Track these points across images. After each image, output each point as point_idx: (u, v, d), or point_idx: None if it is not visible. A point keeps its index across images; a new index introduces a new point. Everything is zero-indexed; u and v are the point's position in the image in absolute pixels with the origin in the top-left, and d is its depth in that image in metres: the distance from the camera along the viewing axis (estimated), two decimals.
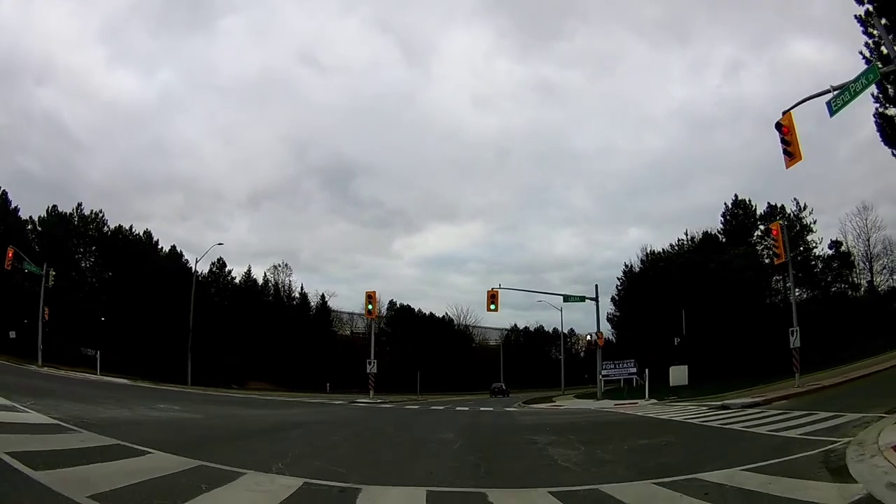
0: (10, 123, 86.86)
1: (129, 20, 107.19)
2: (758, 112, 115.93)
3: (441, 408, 28.98)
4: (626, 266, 67.28)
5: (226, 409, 21.09)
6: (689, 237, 58.81)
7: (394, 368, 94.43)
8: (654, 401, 30.53)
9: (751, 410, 19.27)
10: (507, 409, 29.37)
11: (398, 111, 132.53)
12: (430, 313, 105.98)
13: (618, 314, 63.74)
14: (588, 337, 36.07)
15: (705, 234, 57.04)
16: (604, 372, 40.42)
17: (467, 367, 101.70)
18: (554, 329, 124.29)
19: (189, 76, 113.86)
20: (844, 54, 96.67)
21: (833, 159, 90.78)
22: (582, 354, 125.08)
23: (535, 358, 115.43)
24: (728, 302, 45.34)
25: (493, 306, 34.67)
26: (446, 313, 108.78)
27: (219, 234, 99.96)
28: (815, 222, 54.40)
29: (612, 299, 65.24)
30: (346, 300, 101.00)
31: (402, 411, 25.94)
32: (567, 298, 35.65)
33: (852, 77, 14.69)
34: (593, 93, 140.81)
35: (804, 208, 54.02)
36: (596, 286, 41.92)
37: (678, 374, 34.94)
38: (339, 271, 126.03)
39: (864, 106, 27.18)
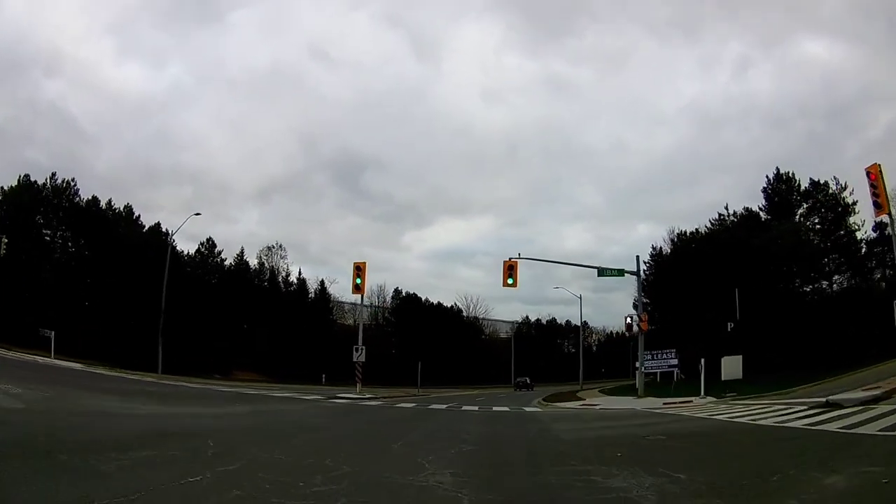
0: (17, 115, 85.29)
1: (139, 13, 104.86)
2: (766, 111, 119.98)
3: (443, 407, 23.21)
4: (654, 249, 60.45)
5: (102, 402, 14.71)
6: (728, 212, 51.72)
7: (399, 360, 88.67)
8: (712, 398, 24.29)
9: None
10: (527, 408, 23.59)
11: (408, 106, 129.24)
12: (438, 303, 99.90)
13: (646, 300, 56.48)
14: (627, 320, 28.66)
15: (746, 210, 50.30)
16: (642, 364, 34.33)
17: (476, 360, 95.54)
18: (567, 321, 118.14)
19: (198, 69, 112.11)
20: (853, 53, 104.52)
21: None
22: (594, 349, 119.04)
23: (547, 351, 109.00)
24: (777, 284, 38.83)
25: (510, 280, 28.20)
26: (455, 304, 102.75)
27: (228, 227, 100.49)
28: (856, 203, 47.54)
29: (642, 284, 57.57)
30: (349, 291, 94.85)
31: (387, 413, 19.58)
32: (602, 272, 28.80)
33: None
34: (603, 89, 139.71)
35: (845, 188, 47.42)
36: (637, 257, 35.44)
37: (731, 366, 28.09)
38: (348, 264, 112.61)
39: None
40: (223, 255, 74.37)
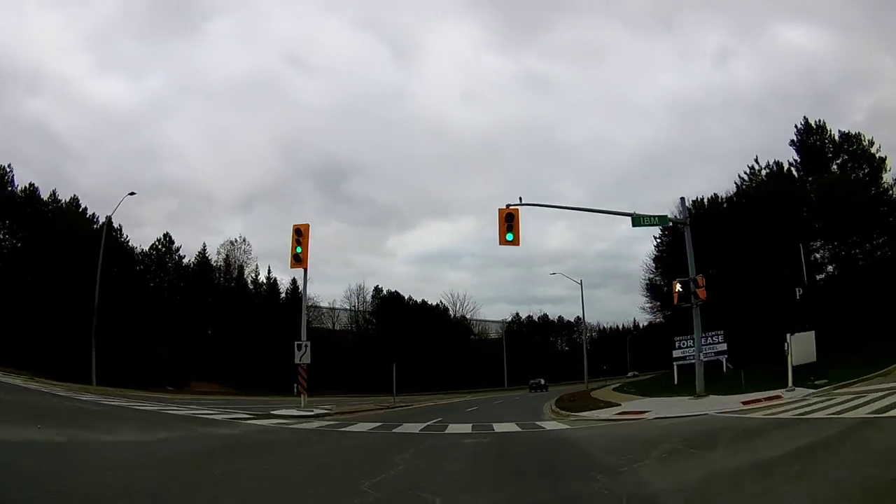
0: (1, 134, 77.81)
1: (117, 26, 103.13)
2: (748, 100, 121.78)
3: (417, 429, 15.44)
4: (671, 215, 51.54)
5: None
6: (760, 165, 44.76)
7: (381, 365, 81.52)
8: (804, 390, 17.87)
9: None
10: (544, 423, 16.26)
11: (387, 109, 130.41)
12: (423, 301, 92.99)
13: (659, 280, 49.82)
14: (677, 287, 20.72)
15: (777, 164, 43.54)
16: (679, 352, 27.75)
17: (465, 362, 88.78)
18: (560, 318, 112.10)
19: (177, 80, 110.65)
20: (833, 39, 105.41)
21: None
22: (589, 346, 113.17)
23: (540, 350, 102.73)
24: (832, 243, 32.58)
25: (509, 235, 21.38)
26: (440, 302, 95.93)
27: (213, 238, 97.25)
28: (885, 159, 41.67)
29: (655, 260, 51.52)
30: (335, 296, 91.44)
31: (302, 453, 11.16)
32: (638, 221, 21.43)
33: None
34: (582, 85, 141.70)
35: (871, 144, 41.63)
36: (682, 199, 27.28)
37: (803, 346, 21.07)
38: (333, 270, 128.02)
39: None
40: (182, 252, 66.72)
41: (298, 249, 22.82)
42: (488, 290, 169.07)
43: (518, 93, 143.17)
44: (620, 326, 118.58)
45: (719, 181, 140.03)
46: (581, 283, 47.98)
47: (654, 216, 21.78)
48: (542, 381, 69.30)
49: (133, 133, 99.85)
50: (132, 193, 38.06)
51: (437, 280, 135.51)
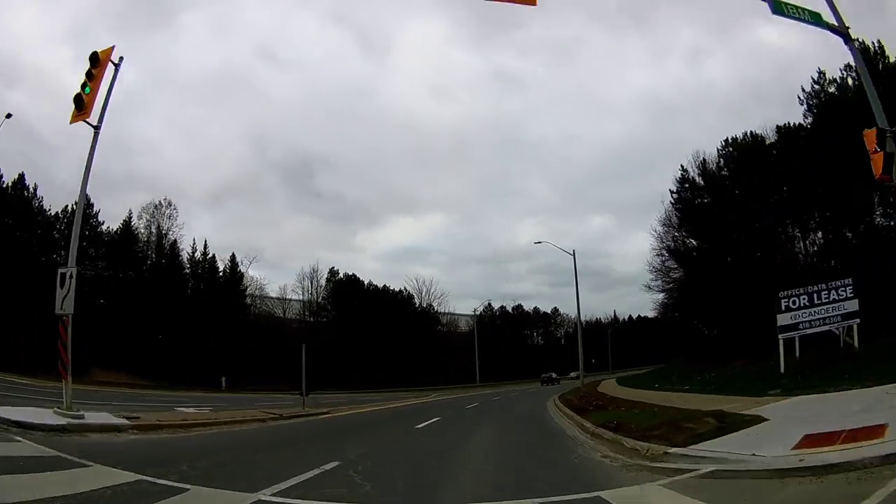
0: None
1: (94, 18, 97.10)
2: (721, 98, 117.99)
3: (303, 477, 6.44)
4: (682, 171, 40.36)
5: None
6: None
7: (336, 356, 73.18)
8: None
9: None
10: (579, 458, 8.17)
11: (356, 105, 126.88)
12: (384, 286, 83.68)
13: (680, 241, 40.66)
14: (873, 145, 9.94)
15: (785, 127, 33.94)
16: (787, 317, 18.24)
17: (432, 356, 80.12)
18: (535, 309, 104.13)
19: (150, 74, 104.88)
20: (810, 38, 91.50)
21: None
22: (563, 341, 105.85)
23: (514, 343, 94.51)
24: None
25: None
26: (404, 288, 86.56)
27: (183, 233, 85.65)
28: None
29: (680, 212, 40.67)
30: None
31: None
32: (781, 8, 11.80)
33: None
34: (552, 81, 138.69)
35: None
36: None
37: None
38: (302, 266, 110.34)
39: None
40: (101, 218, 56.68)
41: (87, 89, 12.78)
42: (457, 287, 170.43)
43: (488, 89, 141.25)
44: (599, 319, 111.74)
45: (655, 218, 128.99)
46: (574, 255, 38.86)
47: (805, 9, 12.52)
48: (554, 375, 67.14)
49: (105, 126, 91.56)
50: (8, 116, 28.36)
51: (407, 277, 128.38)
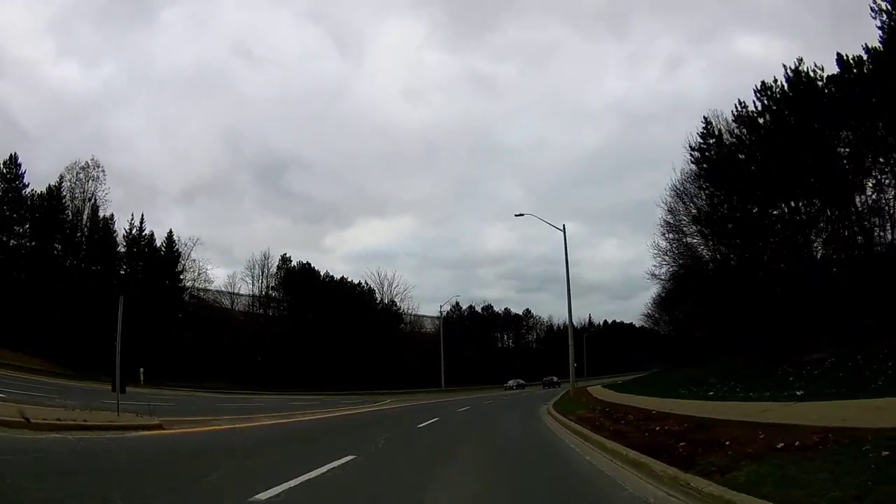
0: None
1: (78, 11, 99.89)
2: (697, 107, 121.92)
3: None
4: (706, 124, 32.89)
5: None
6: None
7: (286, 353, 65.82)
8: None
9: None
10: None
11: (330, 104, 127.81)
12: (343, 278, 76.44)
13: (706, 196, 33.15)
14: None
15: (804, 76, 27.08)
16: None
17: (394, 356, 73.12)
18: (506, 310, 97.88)
19: (129, 69, 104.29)
20: (792, 49, 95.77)
21: None
22: (534, 345, 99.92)
23: (483, 346, 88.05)
24: None
25: None
26: (365, 282, 79.27)
27: (158, 231, 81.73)
28: None
29: (704, 166, 33.17)
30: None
31: None
32: None
33: None
34: (527, 85, 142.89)
35: None
36: None
37: None
38: (253, 253, 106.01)
39: None
40: (27, 181, 49.40)
41: None
42: (425, 291, 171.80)
43: (461, 91, 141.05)
44: (575, 324, 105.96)
45: (663, 187, 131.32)
46: (564, 230, 32.17)
47: None
48: (555, 379, 67.82)
49: (85, 119, 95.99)
50: None
51: (368, 270, 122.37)
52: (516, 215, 31.31)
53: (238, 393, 44.22)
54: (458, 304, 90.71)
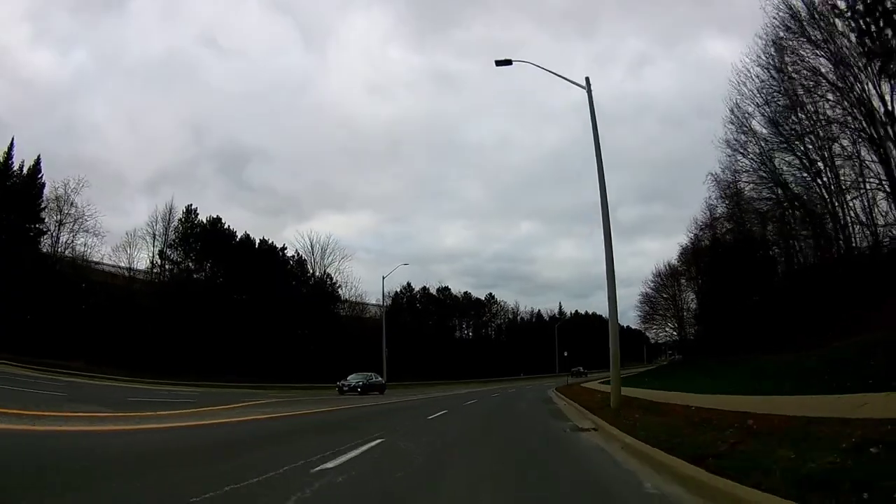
0: None
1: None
2: (662, 110, 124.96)
3: None
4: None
5: None
6: None
7: (185, 332, 50.37)
8: None
9: None
10: None
11: (294, 97, 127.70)
12: (264, 240, 61.37)
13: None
14: None
15: None
16: None
17: (329, 342, 58.77)
18: (465, 294, 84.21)
19: (100, 57, 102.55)
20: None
21: None
22: (503, 337, 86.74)
23: (439, 336, 74.34)
24: None
25: None
26: (296, 251, 64.11)
27: (122, 220, 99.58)
28: None
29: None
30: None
31: None
32: None
33: None
34: (490, 84, 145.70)
35: None
36: None
37: None
38: (157, 205, 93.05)
39: None
40: None
41: None
42: (378, 286, 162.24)
43: (425, 88, 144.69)
44: (532, 317, 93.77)
45: (627, 189, 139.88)
46: (588, 86, 17.00)
47: None
48: (582, 369, 67.27)
49: (56, 107, 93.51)
50: None
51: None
52: (500, 62, 16.58)
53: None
54: (409, 284, 76.70)
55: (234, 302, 54.67)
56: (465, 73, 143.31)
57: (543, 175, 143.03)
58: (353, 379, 37.18)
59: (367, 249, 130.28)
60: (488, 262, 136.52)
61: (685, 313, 60.62)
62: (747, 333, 32.62)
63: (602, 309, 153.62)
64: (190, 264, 56.43)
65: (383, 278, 58.90)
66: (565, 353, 45.35)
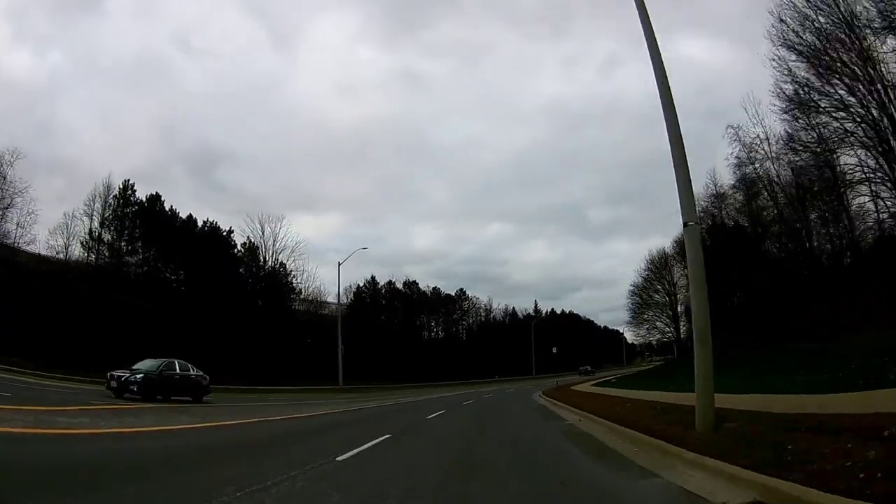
0: None
1: None
2: (634, 111, 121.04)
3: None
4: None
5: None
6: None
7: (121, 317, 42.97)
8: None
9: None
10: None
11: (264, 98, 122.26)
12: (211, 222, 54.47)
13: None
14: None
15: None
16: None
17: (282, 340, 52.17)
18: (435, 290, 78.10)
19: (76, 58, 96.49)
20: (738, 57, 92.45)
21: None
22: (473, 336, 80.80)
23: (404, 334, 68.23)
24: None
25: None
26: (248, 238, 57.11)
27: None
28: None
29: None
30: None
31: None
32: None
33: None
34: (459, 84, 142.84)
35: None
36: None
37: None
38: (95, 183, 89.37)
39: None
40: None
41: None
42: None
43: (394, 89, 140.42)
44: (505, 317, 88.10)
45: (597, 191, 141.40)
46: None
47: None
48: (590, 368, 66.69)
49: (33, 108, 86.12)
50: None
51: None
52: None
53: None
54: (373, 278, 70.33)
55: (172, 291, 47.95)
56: (434, 73, 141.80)
57: (512, 177, 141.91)
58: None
59: (337, 251, 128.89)
60: (459, 263, 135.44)
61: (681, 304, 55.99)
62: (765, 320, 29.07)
63: (579, 308, 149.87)
64: (123, 246, 49.54)
65: (339, 264, 51.51)
66: (554, 350, 39.45)
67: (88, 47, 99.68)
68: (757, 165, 35.01)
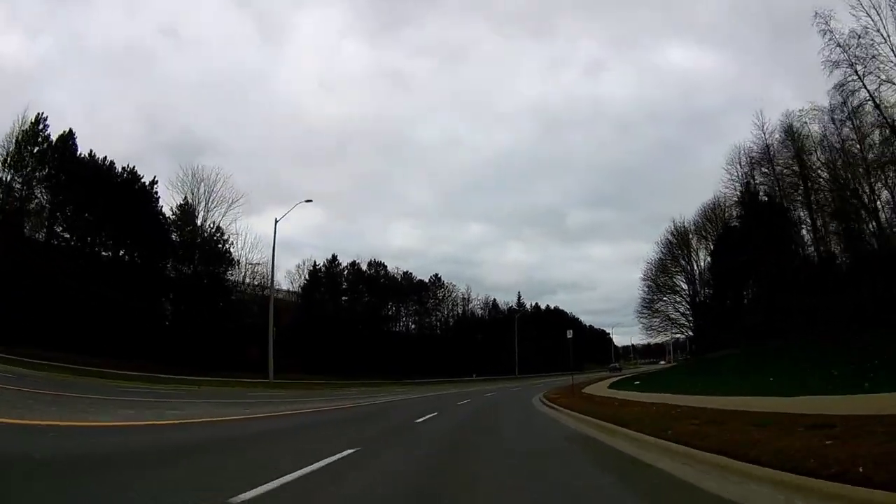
0: None
1: None
2: (617, 115, 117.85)
3: None
4: None
5: None
6: None
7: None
8: None
9: None
10: None
11: (248, 91, 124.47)
12: (130, 169, 44.56)
13: None
14: None
15: None
16: None
17: (215, 321, 42.62)
18: (406, 274, 68.57)
19: (65, 45, 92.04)
20: (723, 66, 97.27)
21: None
22: (448, 331, 71.54)
23: (367, 324, 58.95)
24: None
25: None
26: (185, 198, 46.46)
27: None
28: None
29: None
30: None
31: None
32: None
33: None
34: (441, 83, 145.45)
35: None
36: None
37: None
38: (13, 122, 73.34)
39: None
40: None
41: None
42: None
43: (376, 86, 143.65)
44: (485, 312, 79.25)
45: (577, 193, 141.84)
46: None
47: None
48: (618, 365, 67.75)
49: (20, 94, 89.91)
50: None
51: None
52: None
53: None
54: (334, 257, 60.55)
55: (80, 255, 38.15)
56: (417, 72, 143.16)
57: (492, 177, 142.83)
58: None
59: (314, 246, 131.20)
60: (436, 263, 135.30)
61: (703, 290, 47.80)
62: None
63: (563, 304, 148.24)
64: (23, 192, 39.55)
65: (276, 221, 41.16)
66: (569, 333, 30.35)
67: (80, 34, 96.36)
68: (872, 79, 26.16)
